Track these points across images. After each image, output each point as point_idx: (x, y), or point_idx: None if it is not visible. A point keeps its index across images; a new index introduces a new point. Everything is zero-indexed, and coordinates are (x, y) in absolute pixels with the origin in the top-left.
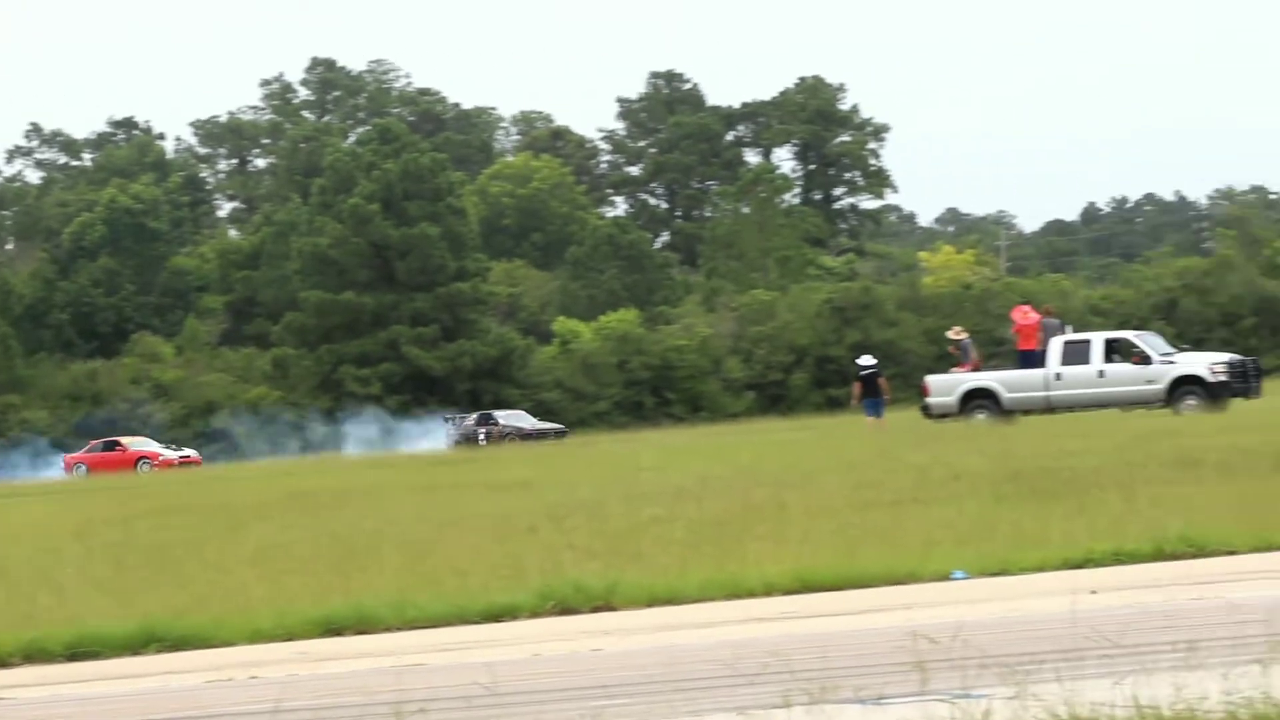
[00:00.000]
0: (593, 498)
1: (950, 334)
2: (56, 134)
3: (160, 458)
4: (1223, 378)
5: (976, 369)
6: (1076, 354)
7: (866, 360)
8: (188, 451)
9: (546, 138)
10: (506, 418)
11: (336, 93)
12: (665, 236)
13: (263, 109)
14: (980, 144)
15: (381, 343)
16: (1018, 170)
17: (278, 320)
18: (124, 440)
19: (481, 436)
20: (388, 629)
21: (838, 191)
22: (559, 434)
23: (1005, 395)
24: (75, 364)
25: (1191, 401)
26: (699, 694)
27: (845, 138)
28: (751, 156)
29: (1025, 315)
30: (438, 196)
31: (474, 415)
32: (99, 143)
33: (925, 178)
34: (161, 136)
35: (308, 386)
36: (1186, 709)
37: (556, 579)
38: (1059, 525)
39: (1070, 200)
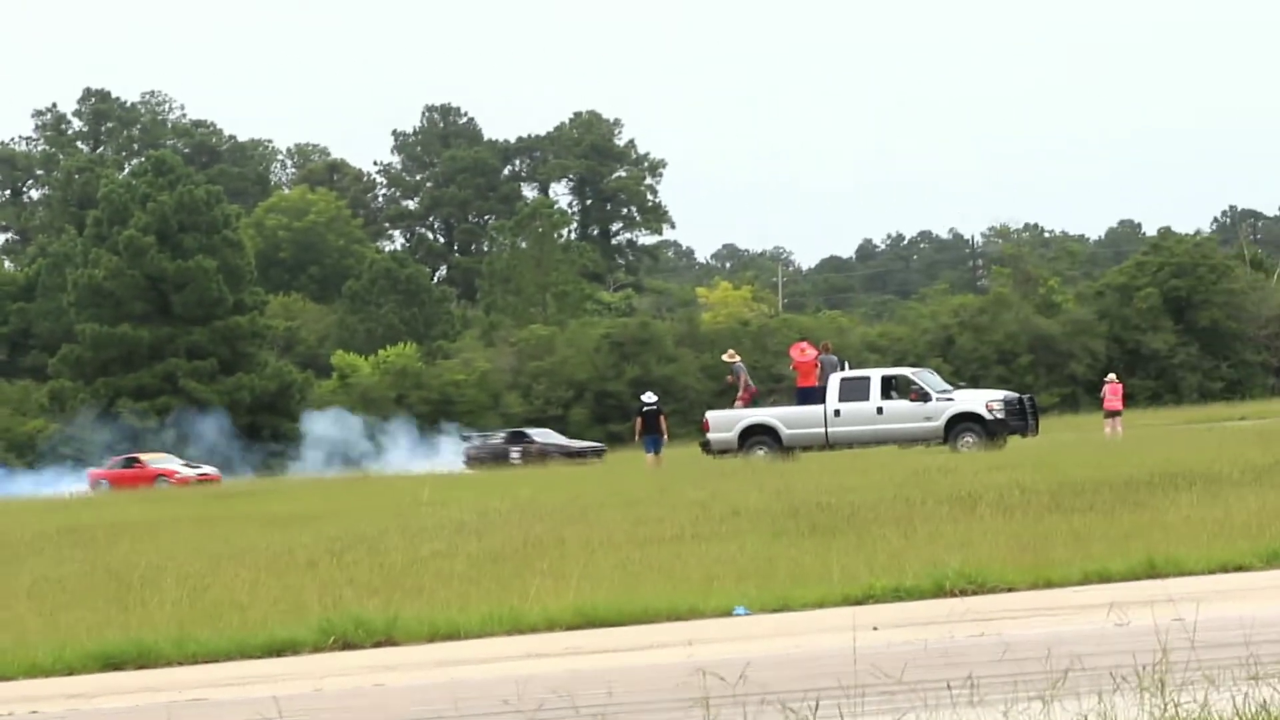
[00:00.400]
0: (373, 532)
1: (725, 356)
2: None
3: (177, 475)
4: (1000, 415)
5: (752, 395)
6: (855, 391)
7: (648, 397)
8: (206, 469)
9: (323, 170)
10: (542, 436)
11: (110, 124)
12: (443, 271)
13: (35, 140)
14: (757, 180)
15: (159, 375)
16: (795, 207)
17: (54, 353)
18: (143, 457)
19: (515, 455)
20: (168, 664)
21: (615, 227)
22: (597, 452)
23: (785, 432)
24: None
25: (969, 439)
26: None
27: (622, 173)
28: (529, 191)
29: (803, 352)
30: (214, 229)
31: (502, 433)
32: None
33: (703, 213)
34: None
35: (86, 419)
36: None
37: (337, 614)
38: (839, 561)
39: (847, 237)
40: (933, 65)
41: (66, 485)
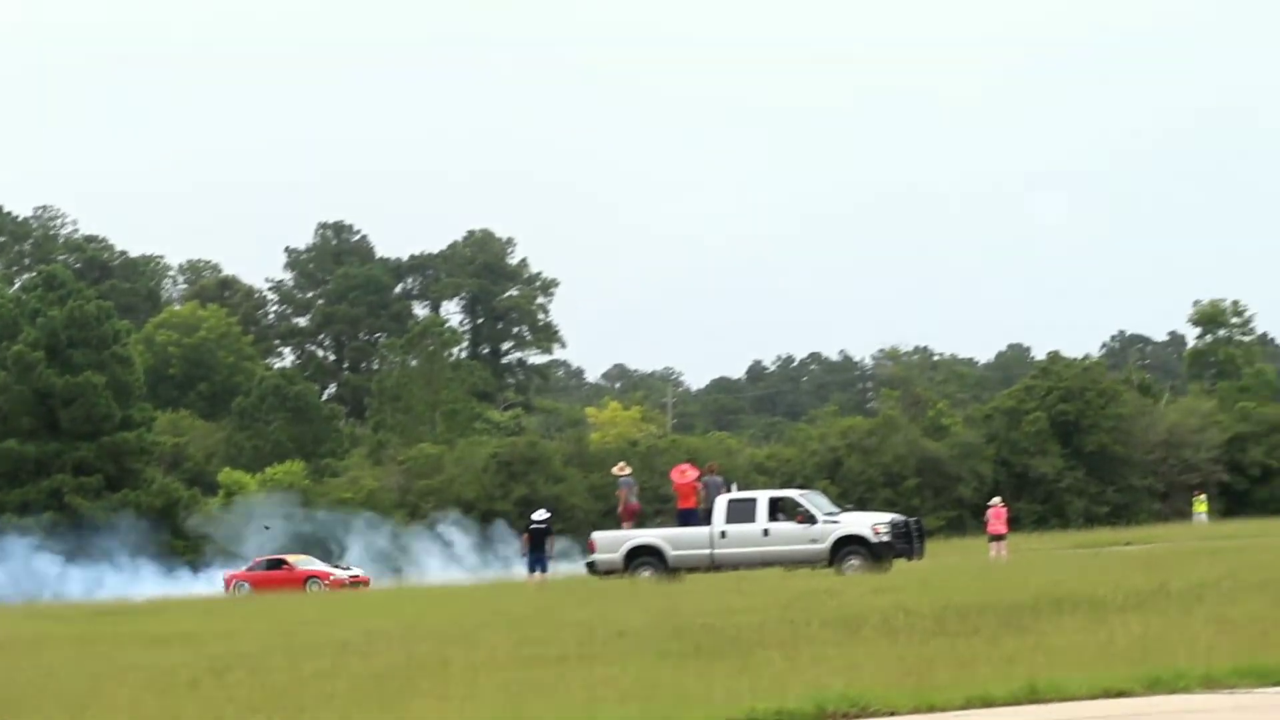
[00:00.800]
0: (255, 651)
1: (615, 470)
2: None
3: (331, 576)
4: (885, 538)
5: (634, 513)
6: (741, 512)
7: (539, 515)
8: (356, 571)
9: (214, 287)
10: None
11: (2, 238)
12: (332, 388)
13: None
14: (648, 301)
15: (44, 491)
16: (684, 328)
17: None
18: (290, 559)
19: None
20: None
21: (506, 346)
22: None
23: (670, 553)
24: None
25: (855, 561)
26: None
27: (514, 292)
28: (420, 309)
29: (683, 474)
30: (103, 344)
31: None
32: None
33: (593, 333)
34: None
35: None
36: None
37: None
38: (722, 683)
39: (736, 358)
40: (820, 189)
41: None
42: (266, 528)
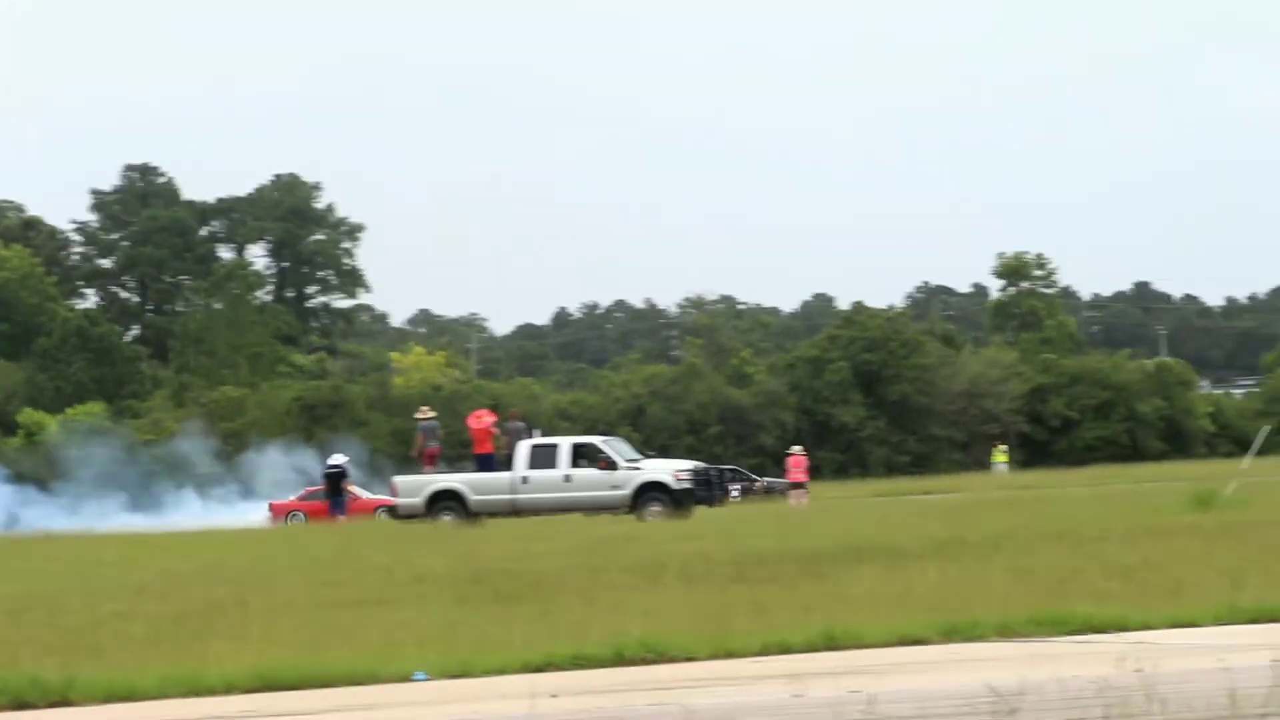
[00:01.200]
0: (51, 591)
1: (417, 414)
2: None
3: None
4: (687, 485)
5: (437, 456)
6: (543, 458)
7: (336, 459)
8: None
9: (18, 227)
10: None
11: None
12: (136, 330)
13: None
14: (453, 246)
15: None
16: (490, 273)
17: None
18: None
19: (735, 492)
20: None
21: (311, 290)
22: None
23: (472, 498)
24: None
25: (656, 508)
26: None
27: (320, 236)
28: (225, 252)
29: (479, 419)
30: None
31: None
32: None
33: (398, 278)
34: None
35: None
36: None
37: (12, 673)
38: (520, 628)
39: (541, 305)
40: (633, 133)
41: None
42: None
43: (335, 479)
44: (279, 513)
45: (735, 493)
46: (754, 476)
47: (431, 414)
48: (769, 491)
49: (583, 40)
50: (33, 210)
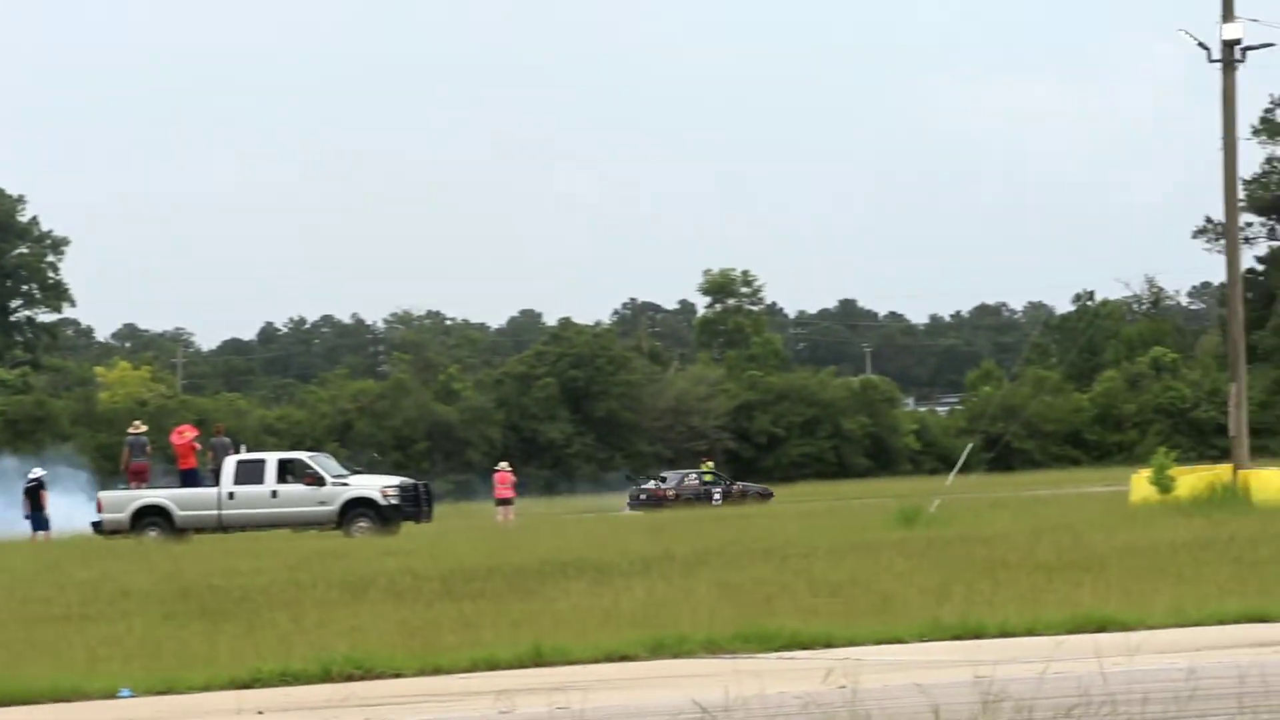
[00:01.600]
0: None
1: (130, 430)
2: None
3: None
4: (394, 501)
5: (143, 471)
6: (250, 474)
7: (35, 472)
8: None
9: None
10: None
11: None
12: None
13: None
14: (159, 260)
15: None
16: (196, 288)
17: None
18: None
19: (717, 497)
20: None
21: (15, 304)
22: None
23: (178, 513)
24: None
25: (363, 524)
26: None
27: (24, 250)
28: None
29: (181, 435)
30: None
31: (693, 474)
32: None
33: (104, 292)
34: None
35: None
36: None
37: None
38: (227, 644)
39: (249, 320)
40: (330, 162)
41: None
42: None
43: (35, 493)
44: None
45: (717, 497)
46: (730, 479)
47: (143, 429)
48: (744, 495)
49: (239, 47)
50: None
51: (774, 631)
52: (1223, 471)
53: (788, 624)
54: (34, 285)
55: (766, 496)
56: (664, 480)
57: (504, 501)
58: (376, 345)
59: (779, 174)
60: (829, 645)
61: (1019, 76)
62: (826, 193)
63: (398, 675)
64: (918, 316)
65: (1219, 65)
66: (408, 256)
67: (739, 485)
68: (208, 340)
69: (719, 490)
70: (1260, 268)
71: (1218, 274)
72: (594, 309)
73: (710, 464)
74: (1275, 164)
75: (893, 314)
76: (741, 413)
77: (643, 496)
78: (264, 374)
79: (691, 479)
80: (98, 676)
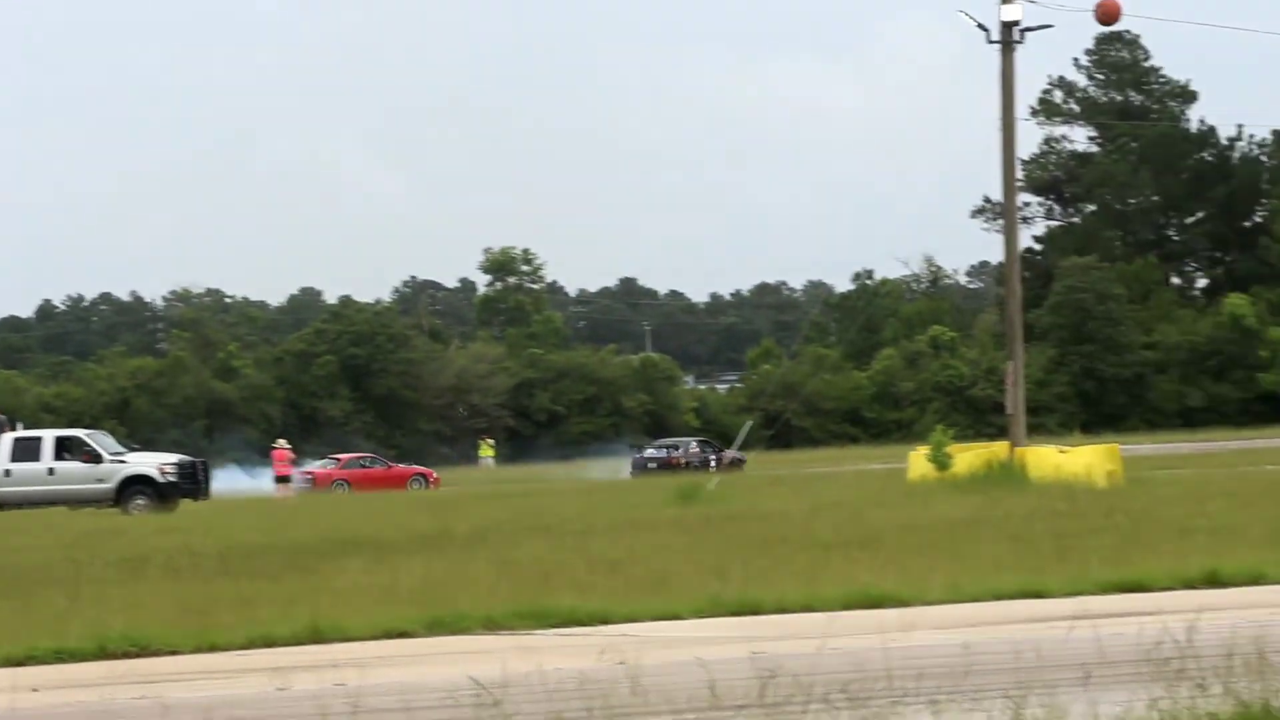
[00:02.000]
0: None
1: None
2: None
3: (434, 475)
4: (172, 478)
5: None
6: (27, 451)
7: None
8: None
9: None
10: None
11: None
12: None
13: None
14: None
15: None
16: None
17: None
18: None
19: (713, 463)
20: None
21: None
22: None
23: None
24: None
25: (141, 501)
26: None
27: None
28: None
29: None
30: None
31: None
32: None
33: None
34: None
35: None
36: None
37: None
38: (2, 622)
39: (25, 297)
40: (126, 125)
41: None
42: None
43: None
44: (322, 482)
45: (712, 463)
46: (721, 447)
47: None
48: (734, 464)
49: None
50: None
51: (552, 609)
52: (1000, 449)
53: (565, 601)
54: None
55: (740, 464)
56: (675, 449)
57: (283, 479)
58: (156, 323)
59: (547, 150)
60: (606, 622)
61: (797, 55)
62: (596, 168)
63: (174, 653)
64: (698, 295)
65: (998, 46)
66: (187, 234)
67: (729, 454)
68: None
69: (714, 458)
70: (1038, 247)
71: (996, 253)
72: (374, 287)
73: (491, 441)
74: (1053, 145)
75: (673, 292)
76: (521, 390)
77: (652, 465)
78: (41, 351)
79: (693, 448)
80: None
